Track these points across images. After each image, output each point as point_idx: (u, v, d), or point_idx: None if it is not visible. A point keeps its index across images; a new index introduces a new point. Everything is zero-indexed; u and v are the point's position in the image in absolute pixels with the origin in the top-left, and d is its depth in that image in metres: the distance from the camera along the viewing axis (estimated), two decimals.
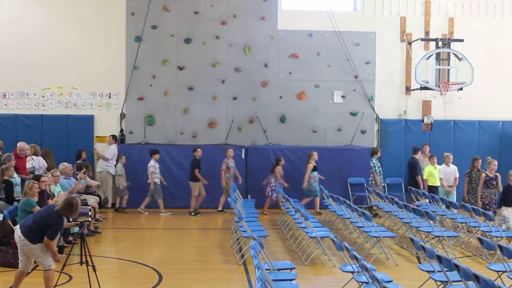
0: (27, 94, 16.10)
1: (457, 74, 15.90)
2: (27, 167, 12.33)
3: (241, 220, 10.41)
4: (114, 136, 15.95)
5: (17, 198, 10.70)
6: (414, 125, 16.77)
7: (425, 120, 16.63)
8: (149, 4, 16.02)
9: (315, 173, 15.16)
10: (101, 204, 13.53)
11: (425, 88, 16.06)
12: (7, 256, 9.44)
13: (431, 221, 10.93)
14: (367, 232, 10.65)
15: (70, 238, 10.76)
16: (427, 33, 16.78)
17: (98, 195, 13.65)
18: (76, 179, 12.30)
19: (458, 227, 12.55)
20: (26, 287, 7.98)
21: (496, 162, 12.62)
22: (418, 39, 16.56)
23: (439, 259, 7.20)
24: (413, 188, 14.48)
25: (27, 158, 12.53)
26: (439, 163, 14.45)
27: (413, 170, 15.23)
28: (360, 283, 7.41)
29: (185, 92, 16.39)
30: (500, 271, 8.09)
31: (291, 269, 8.10)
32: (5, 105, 16.10)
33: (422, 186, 14.72)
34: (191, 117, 16.44)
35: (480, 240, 8.72)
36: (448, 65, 16.24)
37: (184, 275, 9.44)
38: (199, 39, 16.37)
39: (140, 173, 15.34)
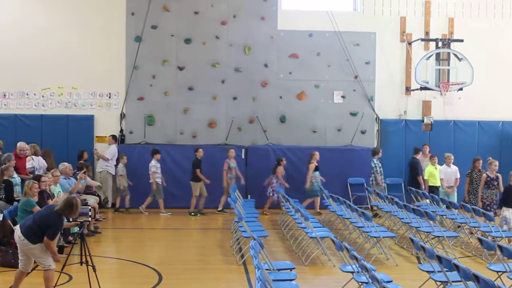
0: (27, 94, 16.10)
1: (457, 74, 15.90)
2: (27, 167, 12.33)
3: (241, 220, 10.41)
4: (114, 136, 15.95)
5: (17, 198, 10.70)
6: (414, 125, 16.77)
7: (425, 120, 16.64)
8: (149, 4, 16.02)
9: (317, 173, 15.16)
10: (101, 204, 13.53)
11: (425, 88, 16.06)
12: (7, 256, 9.44)
13: (431, 221, 10.92)
14: (367, 232, 10.66)
15: (70, 238, 10.76)
16: (427, 33, 16.79)
17: (98, 195, 13.65)
18: (76, 179, 12.30)
19: (459, 227, 12.54)
20: (26, 287, 7.98)
21: (497, 163, 12.61)
22: (418, 39, 16.56)
23: (439, 259, 7.20)
24: (413, 188, 14.49)
25: (27, 158, 12.53)
26: (440, 164, 14.45)
27: (414, 170, 15.23)
28: (360, 283, 7.41)
29: (185, 92, 16.39)
30: (500, 272, 8.09)
31: (291, 269, 8.10)
32: (5, 105, 16.10)
33: (423, 186, 14.72)
34: (191, 117, 16.44)
35: (480, 240, 8.72)
36: (448, 65, 16.25)
37: (184, 275, 9.44)
38: (199, 39, 16.37)
39: (140, 173, 15.34)
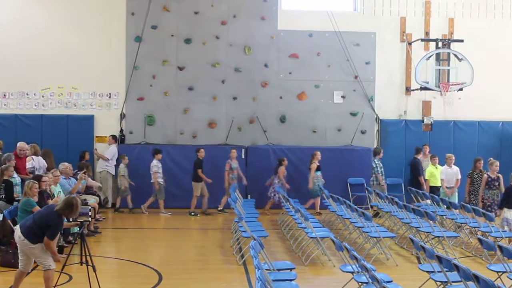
0: (27, 94, 16.10)
1: (457, 74, 15.90)
2: (27, 167, 12.34)
3: (241, 220, 10.41)
4: (114, 136, 15.95)
5: (17, 198, 10.71)
6: (414, 125, 16.77)
7: (425, 121, 16.63)
8: (149, 4, 16.02)
9: (319, 172, 15.17)
10: (101, 204, 13.52)
11: (425, 88, 16.06)
12: (7, 256, 9.44)
13: (431, 222, 10.92)
14: (367, 232, 10.66)
15: (70, 238, 10.76)
16: (427, 33, 16.79)
17: (98, 195, 13.65)
18: (77, 179, 12.30)
19: (459, 227, 12.54)
20: (26, 287, 7.98)
21: (498, 163, 12.59)
22: (418, 40, 16.56)
23: (439, 259, 7.20)
24: (413, 189, 14.48)
25: (27, 158, 12.53)
26: (441, 164, 14.43)
27: (416, 170, 15.22)
28: (360, 283, 7.42)
29: (185, 92, 16.39)
30: (500, 272, 8.09)
31: (291, 269, 8.11)
32: (5, 105, 16.10)
33: (425, 187, 14.69)
34: (191, 117, 16.44)
35: (480, 240, 8.72)
36: (448, 65, 16.24)
37: (184, 275, 9.44)
38: (199, 39, 16.37)
39: (140, 173, 15.35)
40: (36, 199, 9.58)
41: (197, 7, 16.37)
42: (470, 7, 16.93)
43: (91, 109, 16.26)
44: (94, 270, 7.85)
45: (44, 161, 13.07)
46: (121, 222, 14.35)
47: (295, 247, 11.09)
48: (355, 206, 11.51)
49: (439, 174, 14.21)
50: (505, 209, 11.07)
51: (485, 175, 12.56)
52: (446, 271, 7.18)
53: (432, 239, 11.19)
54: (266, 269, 7.57)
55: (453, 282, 7.15)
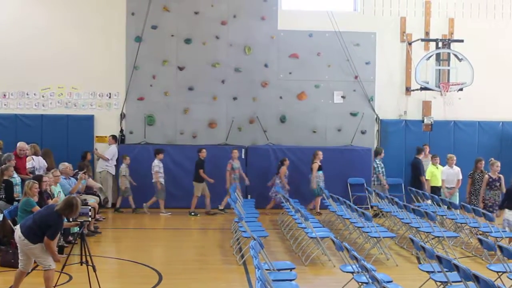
0: (27, 94, 16.10)
1: (457, 74, 15.89)
2: (27, 167, 12.34)
3: (241, 220, 10.41)
4: (114, 136, 15.95)
5: (17, 198, 10.70)
6: (414, 125, 16.77)
7: (425, 121, 16.63)
8: (149, 4, 16.02)
9: (320, 172, 15.17)
10: (101, 204, 13.52)
11: (425, 88, 16.06)
12: (7, 256, 9.44)
13: (431, 222, 10.92)
14: (367, 232, 10.66)
15: (70, 238, 10.76)
16: (427, 33, 16.79)
17: (98, 195, 13.64)
18: (77, 179, 12.30)
19: (459, 227, 12.54)
20: (26, 287, 7.98)
21: (499, 163, 12.55)
22: (418, 40, 16.56)
23: (439, 259, 7.20)
24: (413, 189, 14.47)
25: (27, 158, 12.53)
26: (442, 164, 14.40)
27: (417, 170, 15.20)
28: (360, 284, 7.41)
29: (185, 92, 16.39)
30: (500, 272, 8.09)
31: (291, 269, 8.10)
32: (5, 105, 16.10)
33: (426, 187, 14.66)
34: (191, 117, 16.44)
35: (480, 240, 8.72)
36: (448, 65, 16.24)
37: (184, 275, 9.44)
38: (199, 39, 16.37)
39: (140, 173, 15.35)
40: (36, 199, 9.58)
41: (197, 7, 16.37)
42: (470, 7, 16.93)
43: (91, 109, 16.26)
44: (94, 270, 7.85)
45: (44, 161, 13.07)
46: (121, 222, 14.35)
47: (295, 247, 11.09)
48: (355, 206, 11.50)
49: (440, 174, 14.18)
50: (506, 210, 11.05)
51: (486, 176, 12.52)
52: (446, 271, 7.18)
53: (432, 239, 11.19)
54: (266, 269, 7.57)
55: (453, 282, 7.15)
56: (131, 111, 16.31)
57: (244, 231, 10.24)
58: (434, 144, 16.23)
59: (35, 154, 12.91)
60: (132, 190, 15.23)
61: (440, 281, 7.46)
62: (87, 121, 16.11)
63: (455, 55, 15.91)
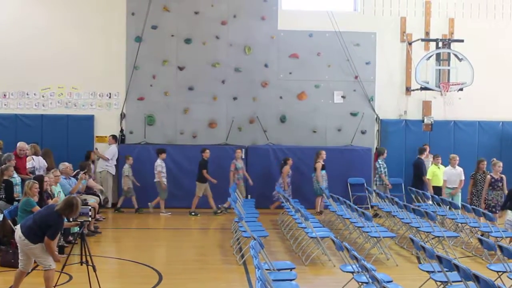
0: (27, 94, 16.10)
1: (457, 74, 15.89)
2: (27, 167, 12.33)
3: (241, 220, 10.41)
4: (114, 136, 15.95)
5: (17, 198, 10.70)
6: (414, 125, 16.77)
7: (425, 121, 16.62)
8: (149, 4, 16.02)
9: (323, 172, 15.17)
10: (101, 204, 13.53)
11: (425, 88, 16.06)
12: (7, 256, 9.44)
13: (431, 221, 10.92)
14: (367, 232, 10.66)
15: (70, 238, 10.76)
16: (427, 33, 16.79)
17: (98, 195, 13.64)
18: (77, 179, 12.29)
19: (459, 227, 12.53)
20: (26, 287, 7.98)
21: (501, 164, 12.51)
22: (418, 40, 16.56)
23: (439, 259, 7.20)
24: (413, 189, 14.47)
25: (27, 158, 12.53)
26: (444, 164, 14.36)
27: (419, 170, 15.16)
28: (360, 283, 7.41)
29: (185, 92, 16.39)
30: (500, 272, 8.09)
31: (291, 269, 8.10)
32: (5, 105, 16.11)
33: (429, 187, 14.62)
34: (191, 117, 16.44)
35: (480, 240, 8.72)
36: (448, 65, 16.24)
37: (184, 275, 9.44)
38: (199, 39, 16.37)
39: (140, 173, 15.35)
40: (36, 199, 9.58)
41: (197, 7, 16.37)
42: (470, 7, 16.93)
43: (91, 109, 16.26)
44: (94, 270, 7.85)
45: (44, 161, 13.07)
46: (122, 222, 14.35)
47: (295, 247, 11.09)
48: (355, 206, 11.50)
49: (442, 174, 14.13)
50: (508, 211, 11.03)
51: (488, 176, 12.47)
52: (446, 271, 7.18)
53: (432, 239, 11.19)
54: (266, 269, 7.57)
55: (453, 282, 7.15)
56: (131, 111, 16.31)
57: (244, 231, 10.24)
58: (434, 144, 16.23)
59: (35, 154, 12.91)
60: (135, 190, 15.22)
61: (440, 281, 7.46)
62: (87, 121, 16.11)
63: (455, 55, 15.91)
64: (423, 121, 16.68)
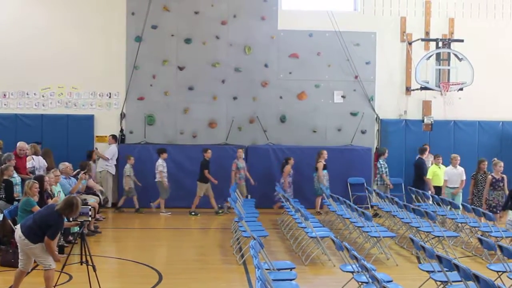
0: (27, 94, 16.10)
1: (457, 74, 15.88)
2: (27, 167, 12.34)
3: (241, 220, 10.41)
4: (114, 136, 15.95)
5: (17, 198, 10.71)
6: (414, 125, 16.76)
7: (425, 120, 16.62)
8: (149, 4, 16.02)
9: (325, 171, 15.17)
10: (101, 204, 13.53)
11: (425, 88, 16.05)
12: (7, 256, 9.44)
13: (431, 221, 10.92)
14: (367, 232, 10.66)
15: (70, 237, 10.76)
16: (427, 33, 16.78)
17: (97, 195, 13.63)
18: (77, 179, 12.29)
19: (459, 226, 12.53)
20: (26, 286, 7.98)
21: (502, 164, 12.49)
22: (418, 39, 16.55)
23: (439, 259, 7.20)
24: (413, 188, 14.46)
25: (27, 158, 12.54)
26: (445, 164, 14.34)
27: (420, 170, 15.14)
28: (360, 283, 7.41)
29: (185, 92, 16.39)
30: (500, 271, 8.09)
31: (291, 269, 8.10)
32: (5, 104, 16.11)
33: (430, 186, 14.61)
34: (191, 117, 16.44)
35: (480, 240, 8.72)
36: (448, 65, 16.23)
37: (184, 275, 9.44)
38: (199, 39, 16.37)
39: (140, 173, 15.35)
40: (36, 198, 9.58)
41: (197, 7, 16.37)
42: (470, 7, 16.93)
43: (91, 108, 16.27)
44: (94, 270, 7.85)
45: (44, 160, 13.08)
46: (122, 221, 14.35)
47: (295, 247, 11.09)
48: (355, 206, 11.50)
49: (442, 174, 14.11)
50: (510, 212, 11.02)
51: (489, 176, 12.45)
52: (446, 270, 7.18)
53: (432, 238, 11.19)
54: (266, 269, 7.57)
55: (453, 281, 7.14)
56: (131, 110, 16.31)
57: (244, 231, 10.24)
58: (434, 144, 16.22)
59: (35, 153, 12.91)
60: (136, 190, 15.22)
61: (440, 281, 7.46)
62: (87, 121, 16.11)
63: (455, 55, 15.91)
64: (423, 121, 16.68)
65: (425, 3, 16.86)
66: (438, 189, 14.17)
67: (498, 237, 10.73)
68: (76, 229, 9.63)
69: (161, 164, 14.96)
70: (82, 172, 12.49)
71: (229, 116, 16.47)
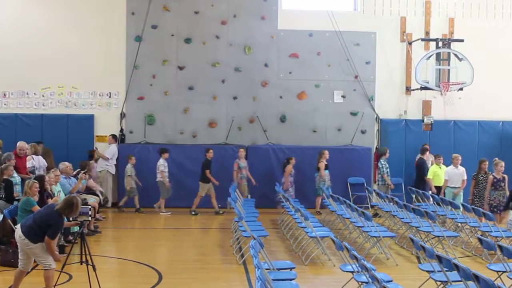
0: (27, 94, 16.10)
1: (457, 74, 15.88)
2: (27, 167, 12.34)
3: (241, 219, 10.42)
4: (114, 136, 15.95)
5: (17, 198, 10.71)
6: (414, 125, 16.76)
7: (425, 120, 16.62)
8: (149, 4, 16.02)
9: (326, 171, 15.17)
10: (101, 204, 13.53)
11: (425, 88, 16.05)
12: (7, 255, 9.43)
13: (431, 221, 10.92)
14: (367, 232, 10.65)
15: (70, 237, 10.75)
16: (427, 33, 16.78)
17: (97, 195, 13.63)
18: (77, 178, 12.30)
19: (459, 226, 12.53)
20: (26, 286, 7.98)
21: (503, 163, 12.47)
22: (418, 39, 16.55)
23: (439, 259, 7.20)
24: (413, 188, 14.46)
25: (27, 158, 12.54)
26: (445, 164, 14.33)
27: (422, 170, 15.12)
28: (360, 283, 7.41)
29: (185, 92, 16.39)
30: (500, 271, 8.09)
31: (291, 268, 8.10)
32: (5, 104, 16.11)
33: (431, 186, 14.60)
34: (191, 117, 16.44)
35: (480, 240, 8.72)
36: (448, 65, 16.23)
37: (184, 275, 9.44)
38: (199, 39, 16.37)
39: (140, 173, 15.34)
40: (36, 198, 9.58)
41: (197, 7, 16.37)
42: (470, 7, 16.93)
43: (91, 108, 16.27)
44: (94, 270, 7.85)
45: (44, 160, 13.08)
46: (121, 221, 14.35)
47: (295, 247, 11.09)
48: (355, 206, 11.50)
49: (443, 174, 14.09)
50: (511, 212, 11.01)
51: (491, 177, 12.43)
52: (446, 270, 7.18)
53: (432, 238, 11.19)
54: (266, 269, 7.58)
55: (453, 281, 7.14)
56: (131, 110, 16.31)
57: (244, 231, 10.24)
58: (434, 144, 16.22)
59: (35, 153, 12.91)
60: (137, 190, 15.24)
61: (440, 281, 7.46)
62: (87, 121, 16.11)
63: (455, 55, 15.91)
64: (423, 120, 16.68)
65: (425, 3, 16.87)
66: (439, 189, 14.16)
67: (498, 237, 10.73)
68: (76, 228, 9.63)
69: (162, 164, 14.97)
70: (82, 172, 12.50)
71: (229, 116, 16.47)
